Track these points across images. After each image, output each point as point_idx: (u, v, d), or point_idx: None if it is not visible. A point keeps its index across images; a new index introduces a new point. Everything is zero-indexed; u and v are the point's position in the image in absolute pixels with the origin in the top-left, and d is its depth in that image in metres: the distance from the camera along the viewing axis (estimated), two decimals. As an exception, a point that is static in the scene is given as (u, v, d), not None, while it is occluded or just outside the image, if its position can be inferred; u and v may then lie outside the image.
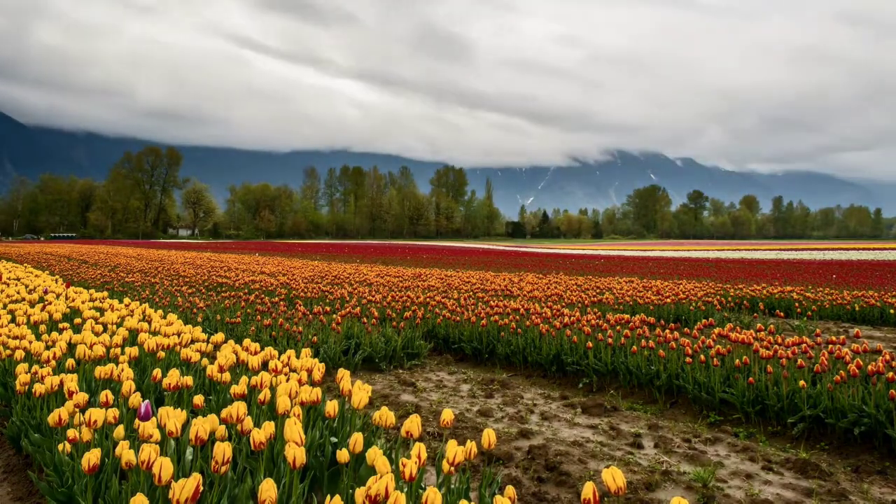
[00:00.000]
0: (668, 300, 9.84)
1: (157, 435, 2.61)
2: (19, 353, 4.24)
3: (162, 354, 4.41)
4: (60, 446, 2.90)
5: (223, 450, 2.36)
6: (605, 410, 4.95)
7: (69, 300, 7.47)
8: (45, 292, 8.13)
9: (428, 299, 8.99)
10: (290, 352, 4.10)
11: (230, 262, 20.54)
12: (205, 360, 4.20)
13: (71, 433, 2.77)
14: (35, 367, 3.83)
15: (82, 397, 3.13)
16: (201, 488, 2.00)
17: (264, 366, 4.07)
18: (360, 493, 2.09)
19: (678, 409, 5.09)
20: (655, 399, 5.30)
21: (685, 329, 7.01)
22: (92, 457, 2.45)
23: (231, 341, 4.62)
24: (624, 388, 5.62)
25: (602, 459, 3.82)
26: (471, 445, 2.50)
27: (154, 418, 2.71)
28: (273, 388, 3.50)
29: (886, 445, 3.96)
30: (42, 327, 5.44)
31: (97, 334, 5.01)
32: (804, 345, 5.19)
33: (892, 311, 9.88)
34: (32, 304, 7.34)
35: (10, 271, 13.46)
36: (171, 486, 1.99)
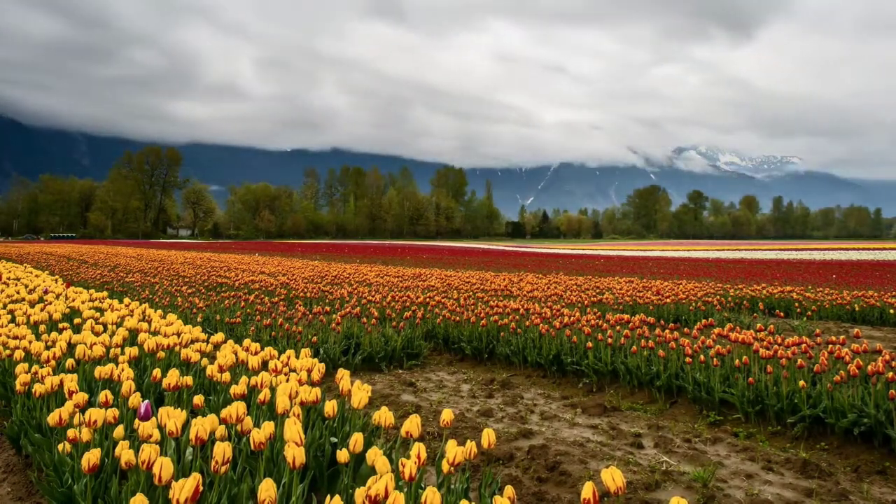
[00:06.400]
0: (668, 300, 9.85)
1: (156, 435, 2.61)
2: (19, 353, 4.24)
3: (162, 354, 4.42)
4: (60, 446, 2.90)
5: (223, 450, 2.37)
6: (605, 410, 4.96)
7: (69, 300, 7.47)
8: (45, 292, 8.13)
9: (428, 299, 8.99)
10: (290, 352, 4.11)
11: (230, 263, 20.54)
12: (205, 360, 4.20)
13: (71, 433, 2.77)
14: (35, 367, 3.84)
15: (82, 397, 3.13)
16: (201, 488, 2.00)
17: (264, 366, 4.07)
18: (359, 493, 2.10)
19: (678, 409, 5.09)
20: (655, 399, 5.30)
21: (685, 329, 7.01)
22: (92, 457, 2.45)
23: (231, 341, 4.61)
24: (624, 388, 5.62)
25: (602, 459, 3.82)
26: (471, 445, 2.49)
27: (154, 418, 2.71)
28: (273, 389, 3.50)
29: (886, 445, 3.96)
30: (42, 327, 5.44)
31: (97, 334, 5.01)
32: (804, 345, 5.19)
33: (892, 311, 9.89)
34: (32, 304, 7.34)
35: (9, 271, 13.46)
36: (171, 485, 1.99)
